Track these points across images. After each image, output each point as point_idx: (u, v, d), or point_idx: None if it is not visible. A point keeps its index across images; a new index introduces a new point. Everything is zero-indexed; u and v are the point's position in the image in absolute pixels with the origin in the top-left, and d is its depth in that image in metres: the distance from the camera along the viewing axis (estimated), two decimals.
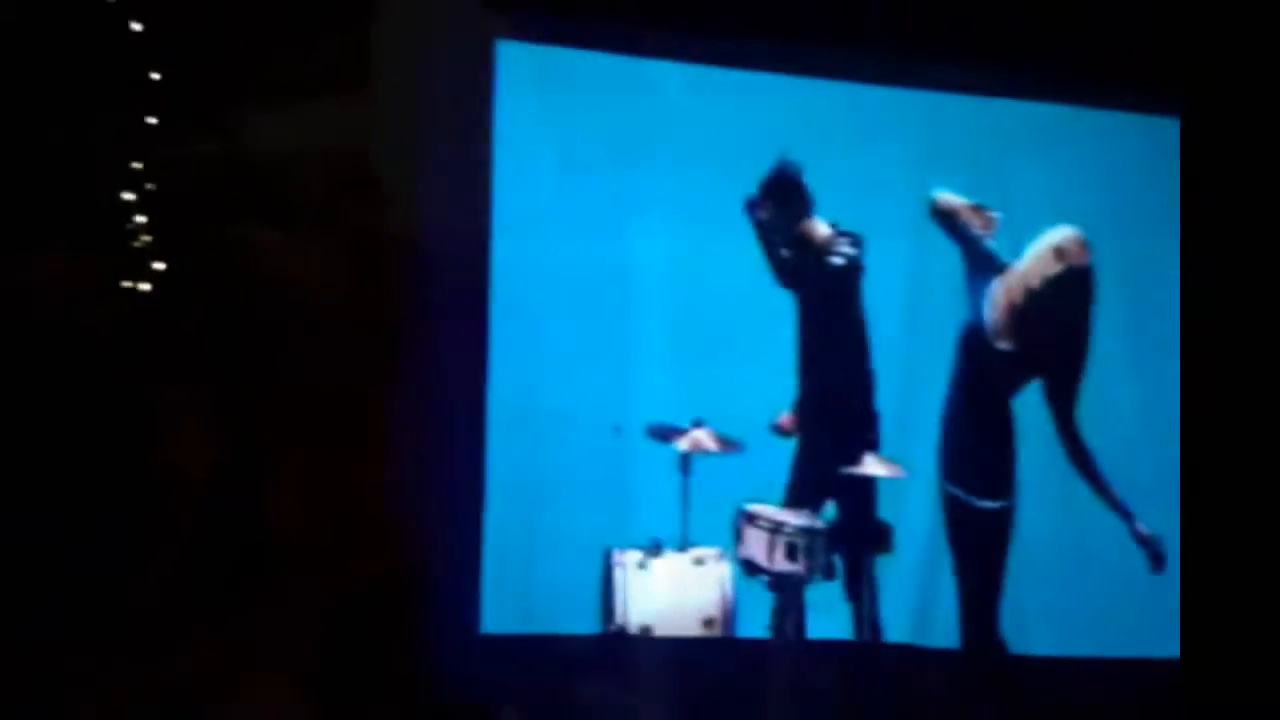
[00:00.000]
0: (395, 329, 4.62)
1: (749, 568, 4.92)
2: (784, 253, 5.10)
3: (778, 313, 5.09)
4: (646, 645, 4.77)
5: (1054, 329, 5.30)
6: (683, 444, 4.87)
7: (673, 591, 4.83)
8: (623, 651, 4.75)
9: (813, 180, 5.11)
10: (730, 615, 4.84)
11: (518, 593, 4.74)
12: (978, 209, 5.23)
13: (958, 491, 5.18)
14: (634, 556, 4.83)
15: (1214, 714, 4.76)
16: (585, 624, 4.80)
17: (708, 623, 4.82)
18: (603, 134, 4.95)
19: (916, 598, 5.08)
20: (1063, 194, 5.26)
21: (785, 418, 5.09)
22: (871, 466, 4.95)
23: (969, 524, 5.18)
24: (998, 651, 5.15)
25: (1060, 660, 5.13)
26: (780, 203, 5.08)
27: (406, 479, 4.56)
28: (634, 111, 4.98)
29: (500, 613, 4.71)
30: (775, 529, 4.90)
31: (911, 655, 5.00)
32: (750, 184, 5.07)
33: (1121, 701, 4.97)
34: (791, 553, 4.90)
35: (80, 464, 4.26)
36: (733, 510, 4.95)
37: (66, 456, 4.24)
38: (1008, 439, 5.24)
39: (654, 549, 4.84)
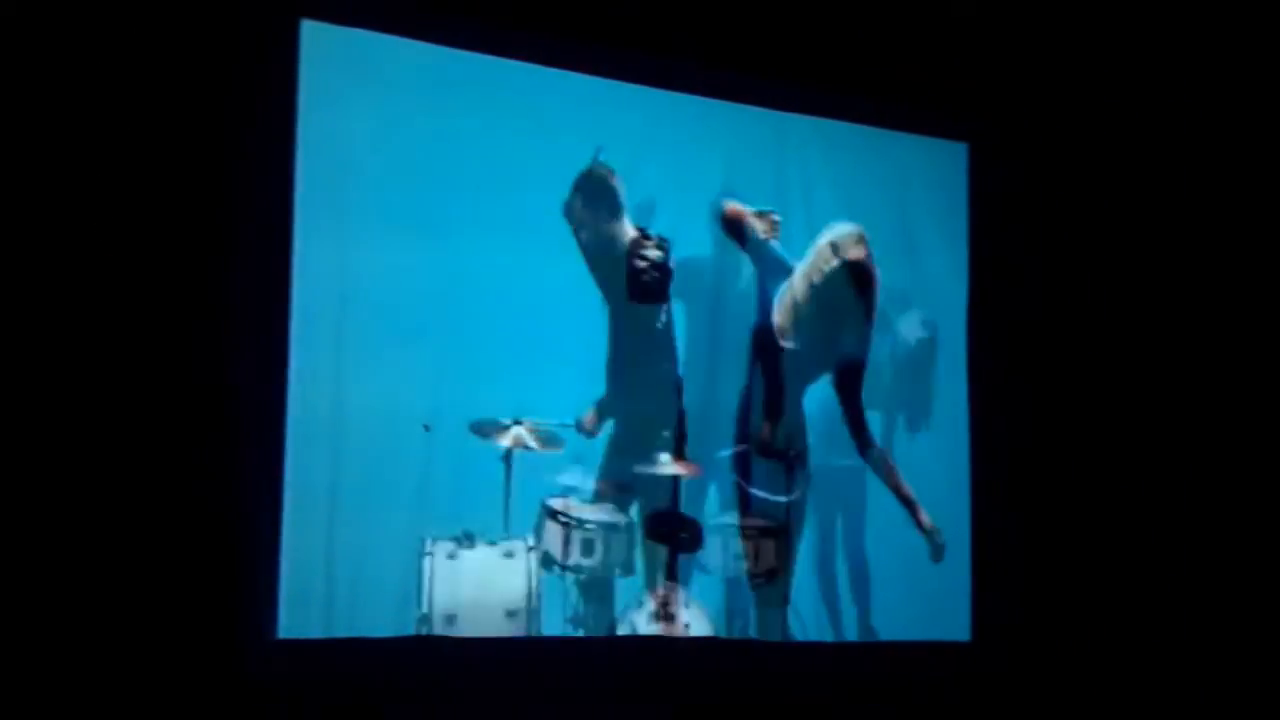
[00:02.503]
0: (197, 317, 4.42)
1: (546, 561, 4.93)
2: (593, 252, 5.12)
3: (592, 313, 5.13)
4: (449, 646, 4.71)
5: (833, 323, 5.40)
6: (504, 440, 4.84)
7: (479, 582, 4.81)
8: (424, 654, 4.68)
9: (623, 183, 5.18)
10: (535, 608, 4.85)
11: (321, 596, 4.60)
12: (761, 214, 5.37)
13: (753, 490, 5.33)
14: (445, 547, 4.79)
15: (1002, 693, 5.12)
16: (394, 625, 4.70)
17: (511, 614, 4.82)
18: (413, 125, 4.83)
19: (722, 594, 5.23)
20: (854, 207, 5.50)
21: (588, 416, 5.11)
22: (670, 466, 5.04)
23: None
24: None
25: (855, 645, 5.44)
26: (590, 202, 5.09)
27: (204, 482, 4.39)
28: (446, 103, 4.88)
29: (300, 617, 4.56)
30: (573, 524, 4.94)
31: (716, 648, 5.12)
32: (563, 184, 5.06)
33: (915, 682, 5.33)
34: (588, 548, 4.90)
35: None
36: None
37: None
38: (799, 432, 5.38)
39: (466, 540, 4.81)
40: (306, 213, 4.63)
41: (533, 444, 4.89)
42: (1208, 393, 5.54)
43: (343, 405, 4.67)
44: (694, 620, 5.03)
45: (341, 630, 4.62)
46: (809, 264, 5.37)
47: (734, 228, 5.36)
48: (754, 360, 5.36)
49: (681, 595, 5.05)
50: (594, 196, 5.11)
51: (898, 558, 5.49)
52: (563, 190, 5.06)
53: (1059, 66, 5.67)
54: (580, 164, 5.07)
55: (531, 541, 4.90)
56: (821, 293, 5.35)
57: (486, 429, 4.86)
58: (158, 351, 4.37)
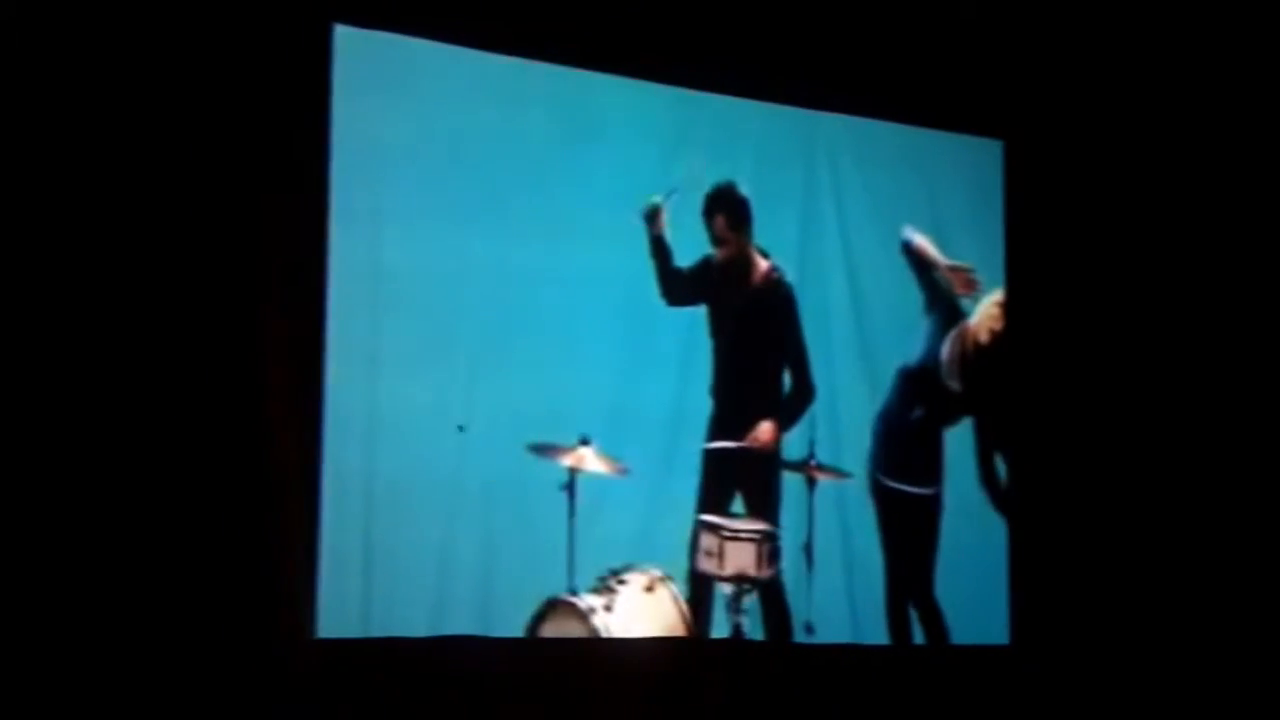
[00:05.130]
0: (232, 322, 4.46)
1: (739, 580, 5.03)
2: (700, 267, 5.16)
3: (625, 313, 5.10)
4: (484, 646, 4.72)
5: (992, 376, 5.62)
6: (568, 461, 4.81)
7: (636, 624, 4.85)
8: (459, 653, 4.68)
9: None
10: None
11: (358, 596, 4.61)
12: (958, 269, 5.55)
13: (893, 483, 5.46)
14: (598, 600, 4.80)
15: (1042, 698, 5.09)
16: (430, 625, 4.70)
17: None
18: (446, 127, 4.86)
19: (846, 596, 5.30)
20: (885, 207, 5.56)
21: (765, 429, 5.17)
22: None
23: (903, 512, 5.46)
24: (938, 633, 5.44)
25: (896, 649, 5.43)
26: (735, 221, 5.19)
27: (242, 483, 4.43)
28: (478, 105, 4.91)
29: (338, 617, 4.57)
30: (759, 538, 5.04)
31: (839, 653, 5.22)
32: (594, 184, 5.02)
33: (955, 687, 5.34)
34: (774, 557, 5.03)
35: None
36: (613, 529, 4.94)
37: None
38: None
39: (604, 588, 4.82)
40: (341, 214, 4.67)
41: (598, 466, 4.83)
42: (1252, 393, 5.48)
43: (377, 405, 4.69)
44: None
45: (378, 630, 4.63)
46: (979, 319, 5.60)
47: (917, 261, 5.51)
48: (905, 389, 5.46)
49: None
50: (738, 215, 5.19)
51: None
52: (595, 190, 5.05)
53: (1096, 60, 5.63)
54: (613, 163, 5.08)
55: (660, 571, 4.91)
56: (989, 349, 5.54)
57: (549, 450, 4.81)
58: (195, 353, 4.41)
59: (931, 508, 5.53)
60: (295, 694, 4.43)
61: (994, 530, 5.62)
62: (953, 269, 5.58)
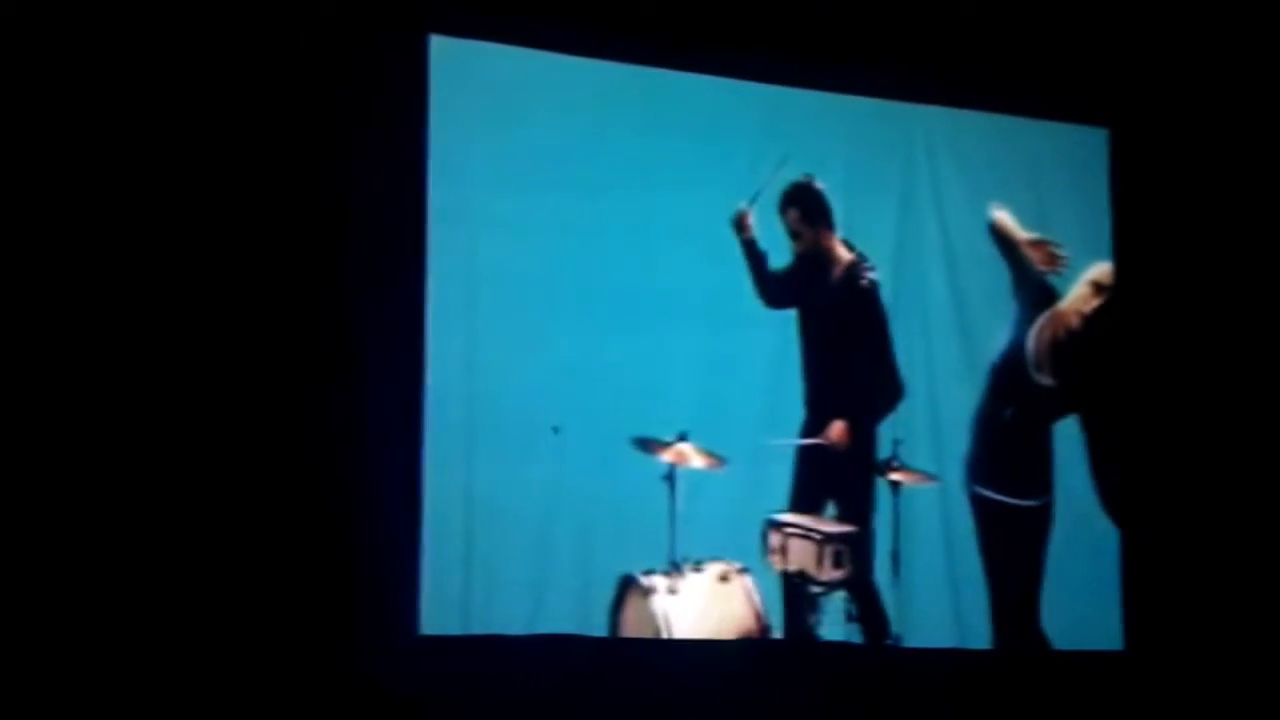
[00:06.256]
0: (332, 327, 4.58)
1: (799, 578, 4.98)
2: (792, 266, 5.14)
3: (715, 317, 5.11)
4: (583, 645, 4.79)
5: (1092, 366, 5.41)
6: (667, 457, 4.85)
7: (704, 612, 4.86)
8: (559, 651, 4.76)
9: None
10: (768, 625, 4.95)
11: (458, 594, 4.71)
12: (1038, 243, 5.34)
13: (991, 493, 5.30)
14: (662, 581, 4.81)
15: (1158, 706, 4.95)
16: (522, 622, 4.78)
17: (747, 638, 4.91)
18: (541, 132, 4.92)
19: (949, 599, 5.22)
20: (985, 199, 5.46)
21: (837, 427, 5.11)
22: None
23: (1004, 523, 5.31)
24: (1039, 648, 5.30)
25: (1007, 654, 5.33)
26: (810, 215, 5.15)
27: (344, 479, 4.55)
28: (573, 110, 4.98)
29: (439, 614, 4.68)
30: (818, 538, 4.97)
31: (937, 657, 5.14)
32: (685, 185, 5.05)
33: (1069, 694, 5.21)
34: (838, 560, 4.98)
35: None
36: (718, 522, 4.96)
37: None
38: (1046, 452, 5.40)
39: (675, 569, 4.83)
40: (438, 220, 4.77)
41: (697, 462, 4.86)
42: None
43: (476, 405, 4.78)
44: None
45: (478, 627, 4.72)
46: (1069, 302, 5.40)
47: (1000, 238, 5.39)
48: (994, 385, 5.33)
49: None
50: (814, 209, 5.15)
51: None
52: (687, 190, 5.07)
53: (1205, 43, 5.45)
54: (704, 163, 5.10)
55: (739, 563, 4.91)
56: (1082, 335, 5.34)
57: (649, 445, 4.86)
58: (298, 357, 4.55)
59: (1037, 522, 5.35)
60: (401, 689, 4.53)
61: (1107, 533, 5.46)
62: (1033, 243, 5.41)
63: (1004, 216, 5.39)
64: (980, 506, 5.30)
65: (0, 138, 4.28)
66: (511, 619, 4.75)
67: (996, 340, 5.42)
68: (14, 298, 4.27)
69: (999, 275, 5.47)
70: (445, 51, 4.83)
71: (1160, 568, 5.42)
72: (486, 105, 4.85)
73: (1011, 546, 5.32)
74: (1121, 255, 5.58)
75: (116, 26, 4.40)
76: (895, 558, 5.09)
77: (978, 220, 5.45)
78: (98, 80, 4.37)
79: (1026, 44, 5.37)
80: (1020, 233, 5.40)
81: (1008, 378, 5.36)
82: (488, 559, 4.74)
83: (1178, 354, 5.51)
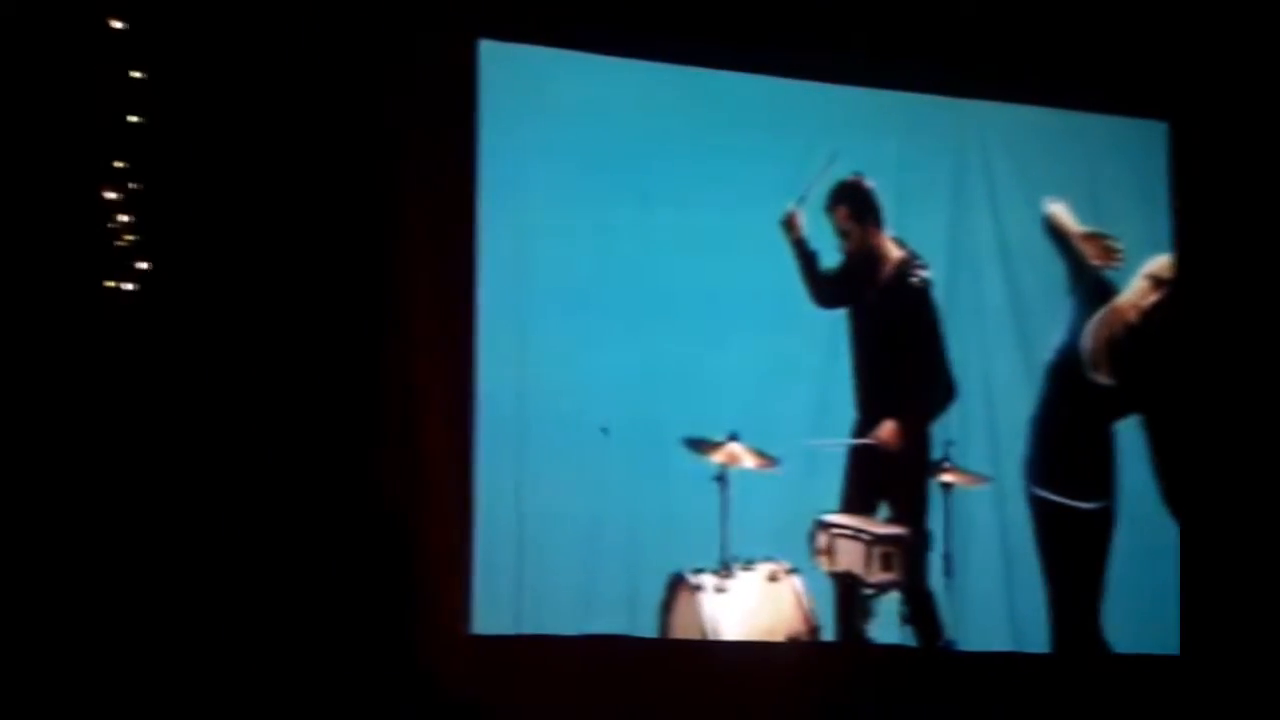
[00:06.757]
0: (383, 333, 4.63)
1: (847, 580, 4.95)
2: (842, 266, 5.11)
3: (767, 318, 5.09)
4: (631, 645, 4.81)
5: (1152, 363, 5.31)
6: (718, 457, 4.85)
7: (754, 611, 4.85)
8: (607, 651, 4.79)
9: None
10: (816, 626, 4.92)
11: (509, 594, 4.74)
12: (1092, 237, 5.28)
13: (1051, 495, 5.23)
14: (710, 580, 4.82)
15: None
16: (572, 622, 4.80)
17: (793, 639, 4.90)
18: (592, 133, 4.93)
19: (1004, 602, 5.17)
20: (1040, 194, 5.36)
21: (887, 427, 5.08)
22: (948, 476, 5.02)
23: (1064, 526, 5.24)
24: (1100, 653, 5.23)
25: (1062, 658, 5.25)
26: (858, 213, 5.11)
27: (398, 482, 4.60)
28: (626, 111, 4.98)
29: (491, 614, 4.72)
30: (866, 538, 4.93)
31: (993, 661, 5.08)
32: (739, 187, 5.03)
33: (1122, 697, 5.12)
34: (887, 562, 4.95)
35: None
36: (769, 523, 4.94)
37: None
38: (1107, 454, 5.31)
39: (724, 569, 4.82)
40: (488, 221, 4.82)
41: (748, 462, 4.86)
42: None
43: (526, 407, 4.82)
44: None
45: (530, 627, 4.76)
46: (1127, 298, 5.32)
47: (1054, 232, 5.33)
48: (1050, 385, 5.27)
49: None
50: (863, 207, 5.12)
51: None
52: (735, 192, 5.06)
53: (1267, 35, 5.31)
54: (755, 165, 5.08)
55: (789, 564, 4.90)
56: (1141, 331, 5.27)
57: (700, 445, 4.85)
58: (352, 357, 4.60)
59: (1098, 525, 5.25)
60: (453, 687, 4.58)
61: (1167, 536, 5.34)
62: (1089, 237, 5.31)
63: (1059, 210, 5.31)
64: (1039, 508, 5.22)
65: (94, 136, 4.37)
66: (562, 619, 4.78)
67: (1053, 338, 5.33)
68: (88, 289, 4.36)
69: (1055, 271, 5.38)
70: (495, 56, 4.86)
71: (1218, 571, 5.29)
72: (537, 108, 4.88)
73: (1072, 549, 5.23)
74: (1183, 249, 5.46)
75: (191, 34, 4.51)
76: (948, 560, 5.03)
77: (1033, 215, 5.35)
78: (168, 80, 4.49)
79: (1083, 38, 5.27)
80: (1075, 226, 5.32)
81: (1064, 377, 5.27)
82: (539, 559, 4.77)
83: (1241, 349, 5.38)
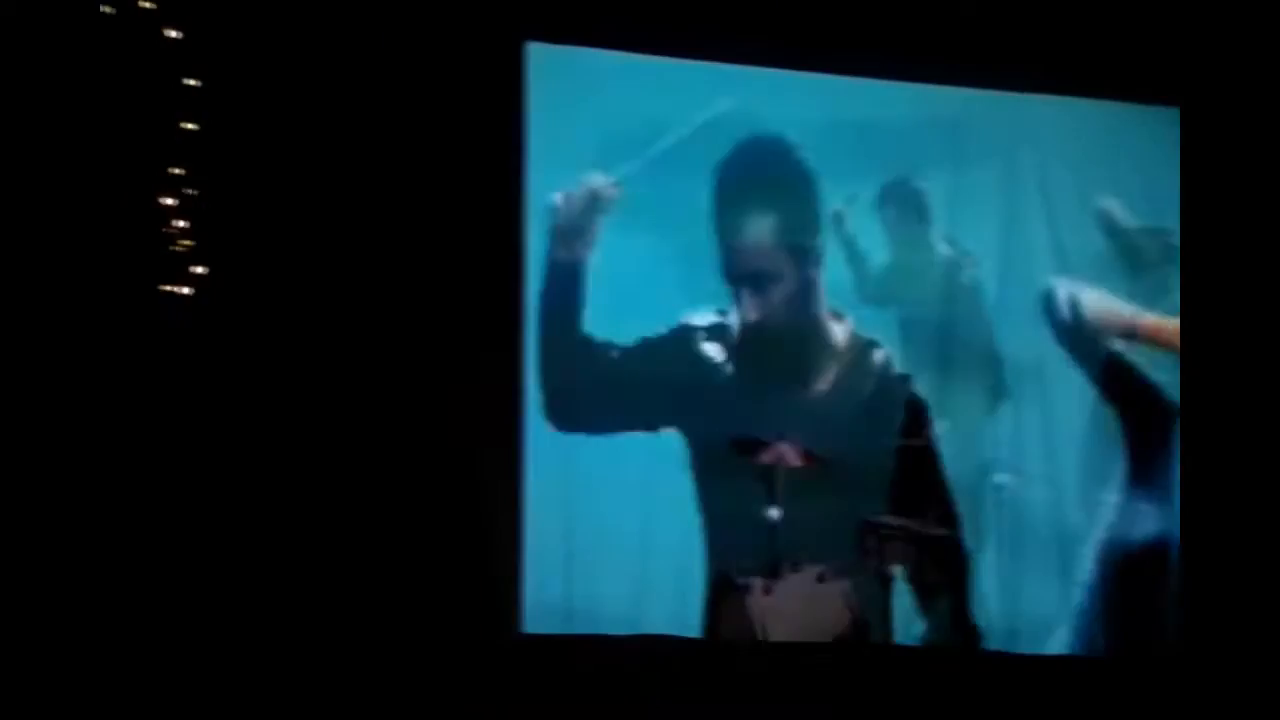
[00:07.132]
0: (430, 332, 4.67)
1: (891, 580, 4.96)
2: (891, 264, 5.10)
3: None
4: (682, 646, 4.81)
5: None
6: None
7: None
8: (659, 652, 4.80)
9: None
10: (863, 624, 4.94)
11: (559, 594, 4.78)
12: (1151, 234, 5.24)
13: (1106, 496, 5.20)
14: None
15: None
16: (623, 622, 4.83)
17: (840, 640, 4.93)
18: (639, 133, 4.94)
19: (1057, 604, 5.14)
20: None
21: (936, 429, 5.08)
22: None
23: (1122, 527, 5.20)
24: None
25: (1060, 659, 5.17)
26: (904, 214, 5.10)
27: (447, 481, 4.65)
28: (671, 112, 4.97)
29: (541, 614, 4.76)
30: (919, 541, 4.95)
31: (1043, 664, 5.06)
32: (806, 185, 5.05)
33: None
34: (936, 563, 4.98)
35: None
36: (817, 523, 4.93)
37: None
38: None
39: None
40: (537, 225, 4.86)
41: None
42: None
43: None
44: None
45: (581, 626, 4.79)
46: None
47: (1111, 229, 5.28)
48: (1107, 384, 5.23)
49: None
50: (911, 207, 5.11)
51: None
52: (785, 189, 5.05)
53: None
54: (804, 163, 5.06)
55: (837, 565, 4.90)
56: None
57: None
58: (399, 357, 4.66)
59: (1158, 526, 5.23)
60: (504, 687, 4.61)
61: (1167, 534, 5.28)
62: (1145, 232, 5.26)
63: (1113, 206, 5.27)
64: (1094, 510, 5.19)
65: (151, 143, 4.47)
66: (612, 619, 4.80)
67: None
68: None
69: (1110, 269, 5.34)
70: (543, 59, 4.89)
71: (1218, 571, 5.21)
72: (584, 110, 4.90)
73: (1131, 551, 5.20)
74: (1189, 237, 5.34)
75: (245, 42, 4.60)
76: (999, 562, 5.03)
77: (1086, 211, 5.29)
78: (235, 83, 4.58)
79: (1135, 29, 5.20)
80: (1130, 222, 5.27)
81: (1119, 376, 5.23)
82: (589, 558, 4.80)
83: (1247, 341, 5.25)
